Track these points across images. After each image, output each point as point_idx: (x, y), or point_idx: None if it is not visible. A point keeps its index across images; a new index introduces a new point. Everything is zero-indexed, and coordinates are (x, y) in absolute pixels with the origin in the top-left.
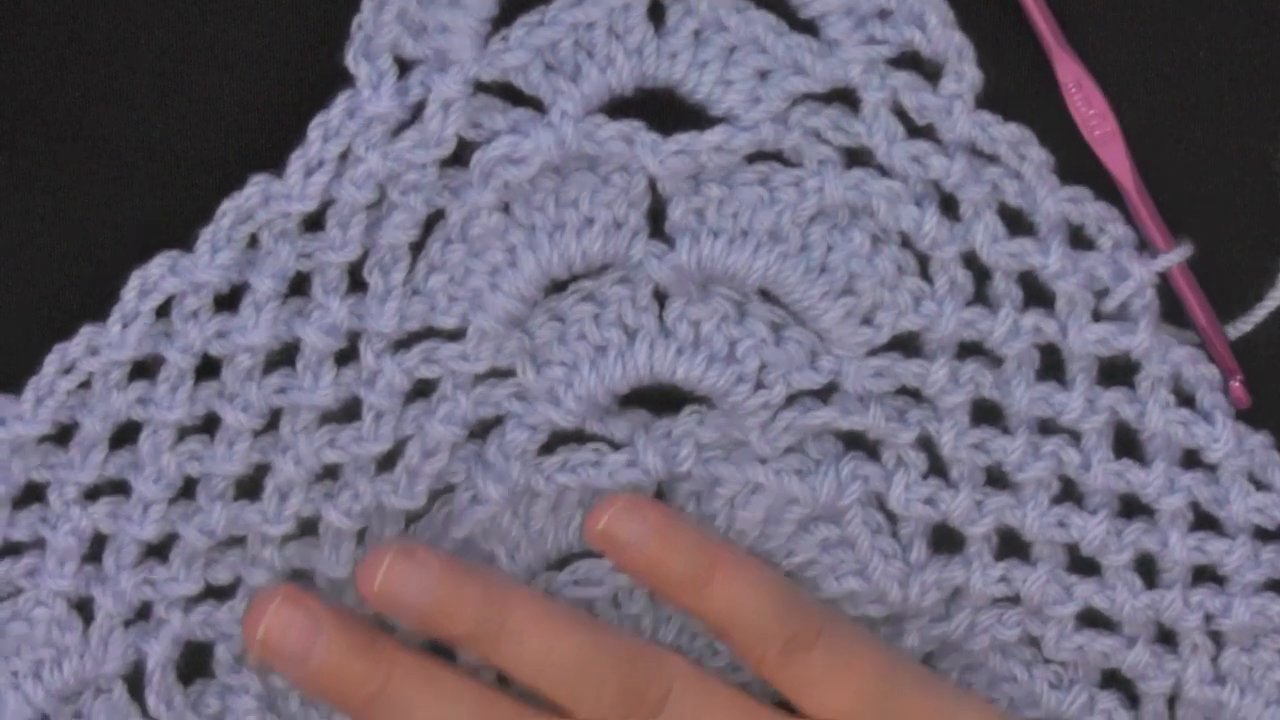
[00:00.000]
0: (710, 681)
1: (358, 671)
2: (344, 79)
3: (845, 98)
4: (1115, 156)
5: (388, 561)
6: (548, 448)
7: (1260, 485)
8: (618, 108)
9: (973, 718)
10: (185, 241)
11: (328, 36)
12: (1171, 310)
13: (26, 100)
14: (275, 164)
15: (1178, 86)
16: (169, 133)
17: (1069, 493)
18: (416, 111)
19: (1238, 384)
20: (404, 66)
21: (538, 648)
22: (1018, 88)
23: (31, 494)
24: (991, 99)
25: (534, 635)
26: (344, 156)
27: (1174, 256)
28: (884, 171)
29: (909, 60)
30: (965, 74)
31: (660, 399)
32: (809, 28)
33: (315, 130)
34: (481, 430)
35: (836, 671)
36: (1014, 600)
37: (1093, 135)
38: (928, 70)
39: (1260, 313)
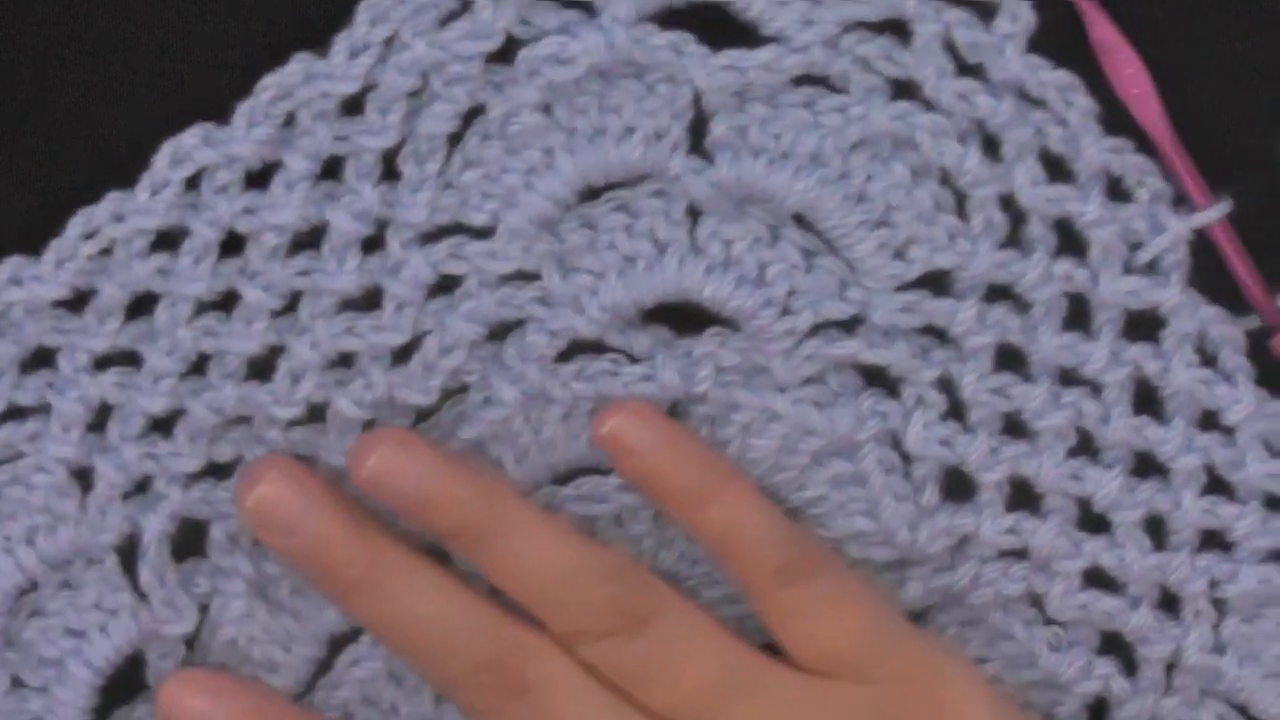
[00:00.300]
0: (699, 615)
1: (344, 553)
2: None
3: (898, 29)
4: (1151, 114)
5: (381, 446)
6: (565, 356)
7: (1276, 453)
8: (669, 19)
9: (959, 680)
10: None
11: (327, 37)
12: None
13: (26, 100)
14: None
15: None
16: (169, 133)
17: (1085, 448)
18: (467, 3)
19: None
20: None
21: (524, 551)
22: (1054, 46)
23: (41, 359)
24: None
25: (522, 538)
26: (389, 42)
27: (1213, 213)
28: (930, 106)
29: None
30: (1020, 15)
31: (685, 319)
32: None
33: (364, 12)
34: (501, 332)
35: (829, 607)
36: (1021, 554)
37: (1129, 94)
38: (982, 8)
39: None
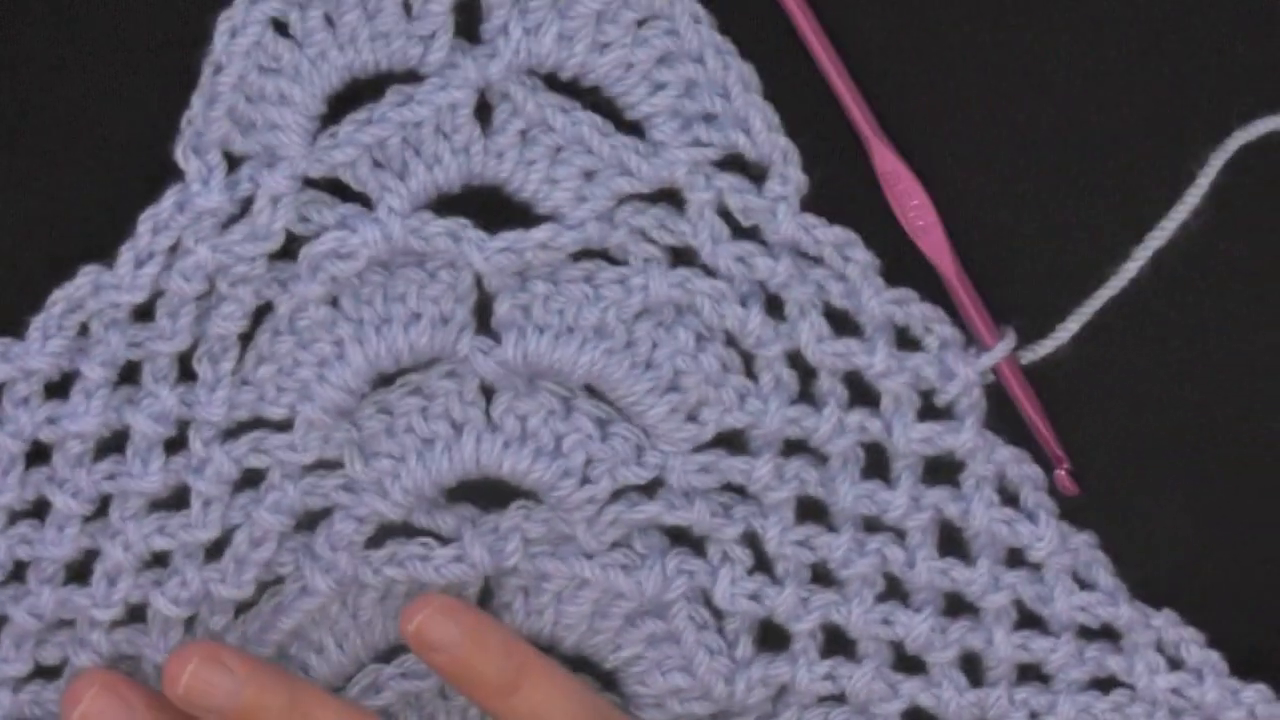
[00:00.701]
0: None
1: None
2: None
3: (671, 197)
4: (936, 246)
5: (190, 664)
6: (375, 540)
7: (1084, 584)
8: (445, 204)
9: None
10: None
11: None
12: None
13: (26, 100)
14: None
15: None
16: (169, 133)
17: (894, 590)
18: (246, 205)
19: (1064, 472)
20: (233, 161)
21: None
22: (842, 183)
23: None
24: (818, 192)
25: None
26: (174, 249)
27: (998, 353)
28: (709, 271)
29: (735, 161)
30: (790, 177)
31: (488, 493)
32: (635, 129)
33: (145, 223)
34: (310, 521)
35: None
36: (840, 698)
37: (914, 226)
38: (753, 172)
39: (1050, 344)
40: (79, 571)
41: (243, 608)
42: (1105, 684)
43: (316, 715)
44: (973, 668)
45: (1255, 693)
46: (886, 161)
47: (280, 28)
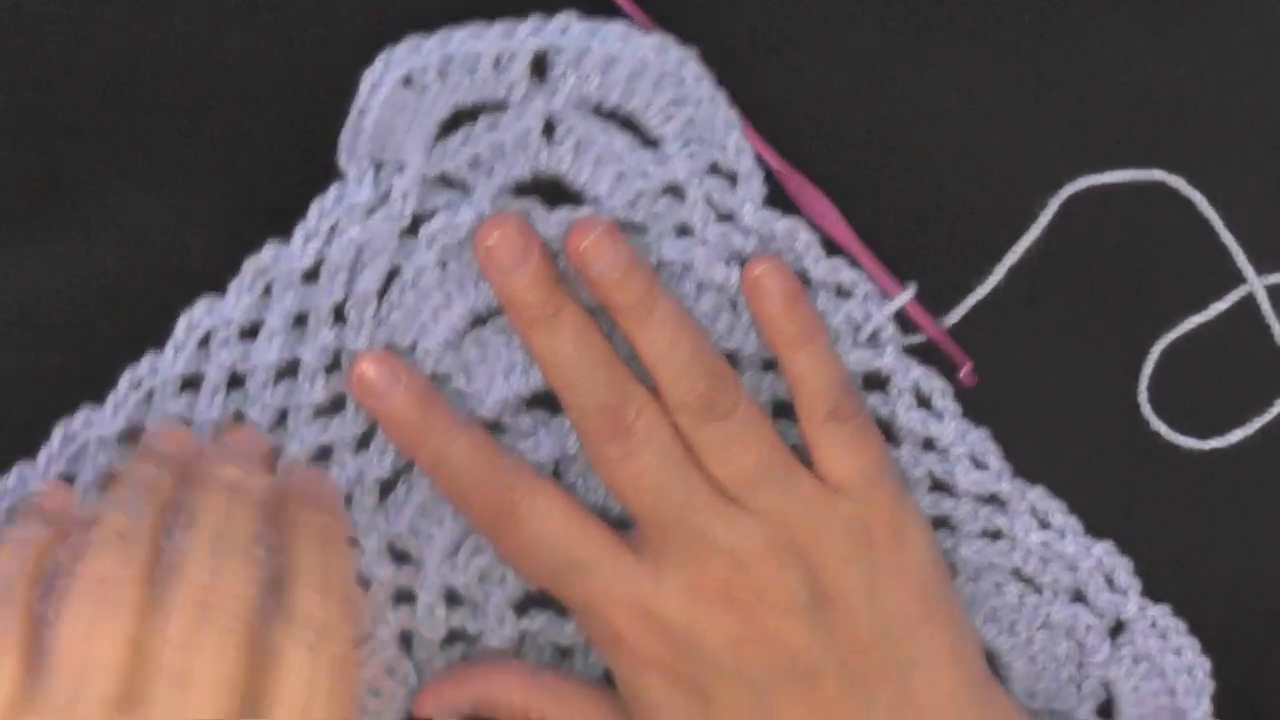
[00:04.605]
0: (761, 419)
1: (536, 296)
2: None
3: (676, 192)
4: (844, 235)
5: (598, 230)
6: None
7: (979, 465)
8: (520, 191)
9: (915, 517)
10: (182, 240)
11: (325, 38)
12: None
13: (27, 103)
14: (268, 164)
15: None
16: (170, 133)
17: None
18: (383, 197)
19: (966, 370)
20: (375, 166)
21: (666, 333)
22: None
23: None
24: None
25: (669, 326)
26: (333, 229)
27: (901, 299)
28: (703, 242)
29: (717, 169)
30: (753, 184)
31: (557, 403)
32: (652, 144)
33: (314, 209)
34: None
35: (855, 444)
36: None
37: (823, 223)
38: (730, 177)
39: (961, 309)
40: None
41: (385, 488)
42: (995, 536)
43: (662, 301)
44: None
45: (1103, 547)
46: (794, 183)
47: (406, 79)
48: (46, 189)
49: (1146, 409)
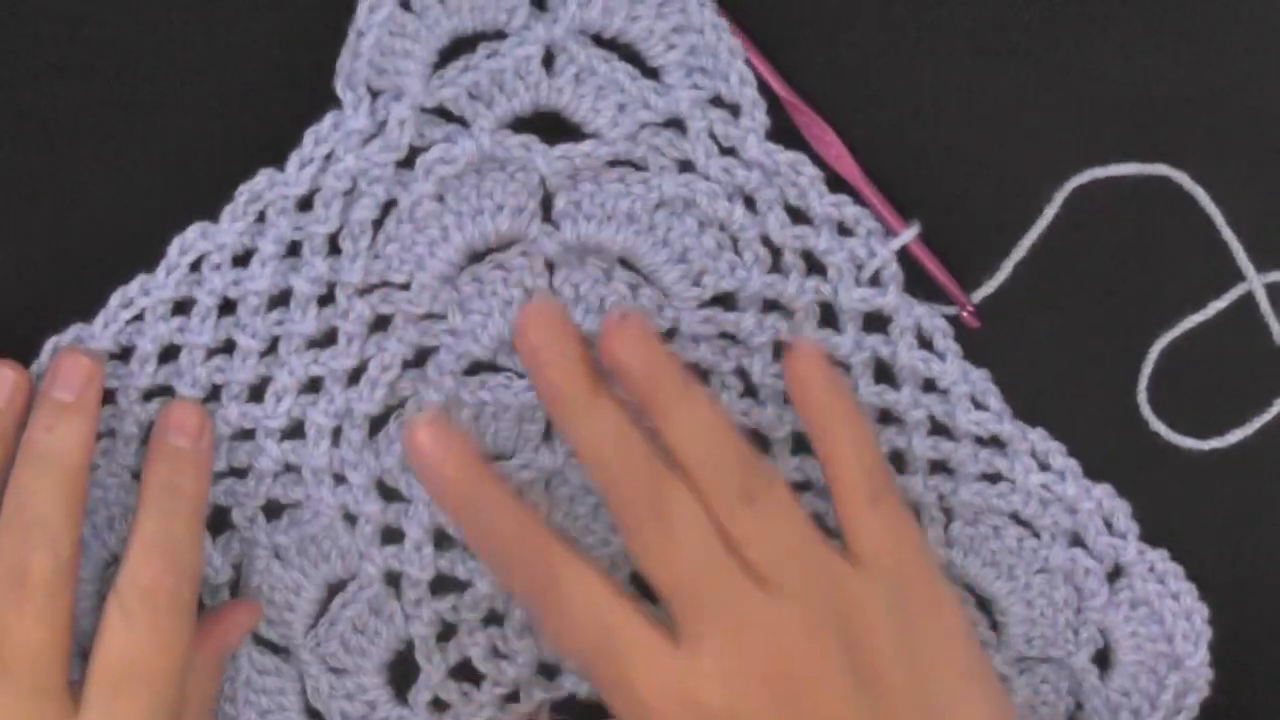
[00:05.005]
0: (793, 505)
1: (577, 390)
2: (325, 82)
3: (678, 124)
4: (850, 169)
5: (633, 331)
6: (468, 373)
7: (979, 406)
8: (519, 124)
9: (947, 590)
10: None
11: (322, 39)
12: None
13: (26, 100)
14: (265, 161)
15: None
16: (170, 132)
17: None
18: (380, 126)
19: (969, 312)
20: (373, 95)
21: (697, 420)
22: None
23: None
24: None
25: (699, 410)
26: (328, 157)
27: (905, 236)
28: (706, 177)
29: (720, 101)
30: (757, 115)
31: None
32: (654, 74)
33: (310, 136)
34: (420, 359)
35: (896, 524)
36: (806, 485)
37: (830, 157)
38: (733, 110)
39: (999, 276)
40: (256, 393)
41: (375, 425)
42: (994, 478)
43: (690, 389)
44: (898, 462)
45: (1102, 490)
46: (802, 115)
47: (404, 2)
48: (47, 189)
49: (1146, 409)
